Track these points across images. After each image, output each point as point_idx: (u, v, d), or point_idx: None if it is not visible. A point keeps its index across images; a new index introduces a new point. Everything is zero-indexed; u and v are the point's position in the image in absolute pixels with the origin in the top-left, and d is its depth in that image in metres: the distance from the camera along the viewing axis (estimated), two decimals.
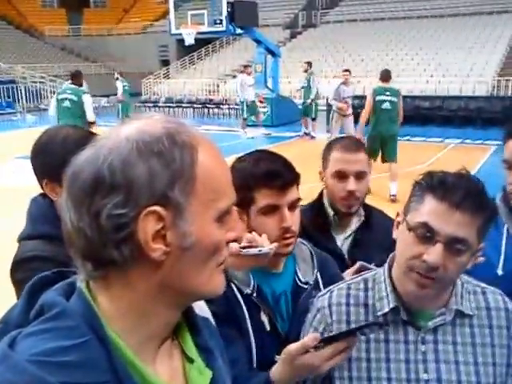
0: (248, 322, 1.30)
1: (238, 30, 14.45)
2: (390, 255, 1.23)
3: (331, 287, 1.28)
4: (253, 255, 1.27)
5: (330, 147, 1.85)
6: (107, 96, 20.09)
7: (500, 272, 1.61)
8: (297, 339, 1.15)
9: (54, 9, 34.72)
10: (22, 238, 1.51)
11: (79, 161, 0.65)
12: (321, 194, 1.91)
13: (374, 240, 1.76)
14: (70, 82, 8.25)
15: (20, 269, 1.42)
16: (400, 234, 1.15)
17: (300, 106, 13.18)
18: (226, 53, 25.35)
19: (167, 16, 18.17)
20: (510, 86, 16.01)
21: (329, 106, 11.27)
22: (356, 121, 9.09)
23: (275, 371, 1.15)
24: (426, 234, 1.07)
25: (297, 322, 1.35)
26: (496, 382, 1.15)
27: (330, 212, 1.83)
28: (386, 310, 1.17)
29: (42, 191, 1.53)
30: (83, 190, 0.63)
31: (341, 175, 1.76)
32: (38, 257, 1.40)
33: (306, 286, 1.39)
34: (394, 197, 7.42)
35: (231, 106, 17.94)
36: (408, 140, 11.54)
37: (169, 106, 18.74)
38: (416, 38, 21.19)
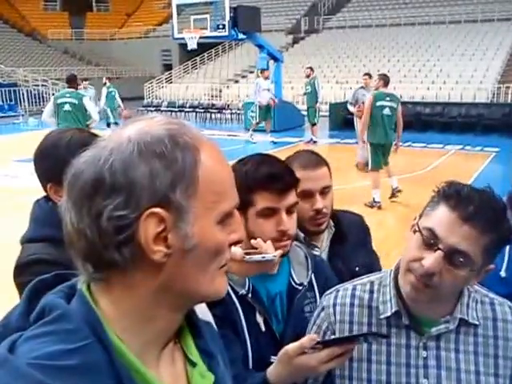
0: (243, 322, 1.30)
1: (241, 35, 14.47)
2: (398, 260, 1.22)
3: (338, 286, 1.29)
4: (256, 262, 1.27)
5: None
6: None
7: (503, 274, 1.62)
8: (292, 340, 1.16)
9: (57, 12, 34.80)
10: (25, 241, 1.50)
11: (80, 162, 0.64)
12: None
13: (351, 243, 1.74)
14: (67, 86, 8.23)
15: (24, 272, 1.40)
16: (409, 236, 1.15)
17: (303, 112, 13.17)
18: (228, 58, 25.40)
19: (170, 20, 18.24)
20: (510, 93, 16.04)
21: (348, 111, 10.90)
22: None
23: (272, 371, 1.16)
24: (430, 241, 1.06)
25: (292, 322, 1.36)
26: None
27: (300, 234, 1.68)
28: (389, 313, 1.18)
29: (44, 194, 1.53)
30: (84, 191, 0.62)
31: (305, 194, 1.63)
32: (41, 260, 1.39)
33: (300, 288, 1.40)
34: (397, 189, 7.37)
35: (233, 111, 17.97)
36: (409, 146, 11.54)
37: (171, 111, 18.75)
38: (417, 44, 21.24)
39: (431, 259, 1.05)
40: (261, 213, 1.33)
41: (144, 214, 0.62)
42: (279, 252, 1.30)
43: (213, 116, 18.56)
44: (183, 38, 15.34)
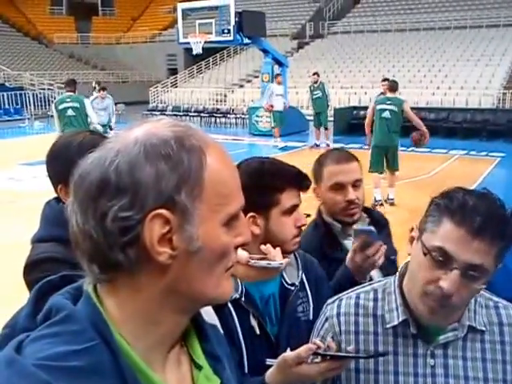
0: (238, 327, 1.31)
1: (246, 40, 14.52)
2: (401, 266, 1.21)
3: (340, 295, 1.27)
4: (262, 268, 1.28)
5: (320, 163, 1.86)
6: (115, 104, 20.20)
7: None
8: (287, 341, 1.20)
9: (63, 16, 34.97)
10: (35, 241, 1.53)
11: (86, 163, 0.65)
12: (318, 212, 1.90)
13: (383, 234, 1.79)
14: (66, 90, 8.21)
15: (33, 270, 1.43)
16: (414, 252, 1.12)
17: (309, 117, 13.17)
18: (233, 62, 25.45)
19: (175, 25, 18.28)
20: None
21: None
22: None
23: (270, 377, 1.16)
24: (442, 260, 1.03)
25: (286, 323, 1.37)
26: None
27: (336, 225, 1.83)
28: (396, 322, 1.16)
29: (55, 195, 1.56)
30: (89, 192, 0.63)
31: (338, 187, 1.77)
32: (51, 258, 1.41)
33: (292, 288, 1.41)
34: (391, 200, 7.56)
35: (238, 116, 18.00)
36: (413, 151, 11.52)
37: (176, 115, 18.78)
38: (423, 49, 21.23)
39: (449, 281, 1.02)
40: (287, 211, 1.38)
41: (149, 216, 0.62)
42: (286, 260, 1.31)
43: (217, 120, 18.60)
44: (188, 43, 15.41)
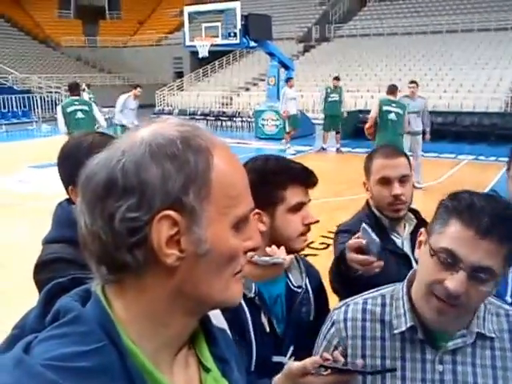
0: (250, 324, 1.34)
1: (252, 43, 14.56)
2: (410, 272, 1.21)
3: (347, 300, 1.26)
4: (266, 264, 1.29)
5: (370, 157, 1.90)
6: None
7: (509, 300, 1.61)
8: (290, 340, 1.27)
9: (71, 20, 35.27)
10: (46, 241, 1.54)
11: (93, 164, 0.65)
12: (367, 205, 1.92)
13: None
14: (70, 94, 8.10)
15: (43, 270, 1.45)
16: (422, 255, 1.11)
17: (315, 121, 13.15)
18: (239, 65, 25.53)
19: (182, 28, 18.40)
20: None
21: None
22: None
23: (277, 382, 1.15)
24: (450, 262, 1.02)
25: (292, 323, 1.42)
26: None
27: (384, 218, 1.84)
28: (403, 328, 1.15)
29: (66, 197, 1.58)
30: (96, 192, 0.63)
31: (385, 181, 1.79)
32: (60, 258, 1.43)
33: (299, 290, 1.44)
34: None
35: (244, 119, 18.03)
36: (420, 156, 11.47)
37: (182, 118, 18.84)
38: (430, 53, 21.18)
39: (456, 281, 1.01)
40: (293, 208, 1.38)
41: (157, 217, 0.61)
42: (290, 257, 1.34)
43: (223, 124, 18.64)
44: (195, 46, 15.47)
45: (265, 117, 15.41)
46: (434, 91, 17.66)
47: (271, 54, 15.19)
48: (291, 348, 1.40)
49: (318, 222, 1.44)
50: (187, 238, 0.63)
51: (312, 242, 5.68)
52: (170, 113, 19.71)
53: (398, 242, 1.83)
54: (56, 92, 21.81)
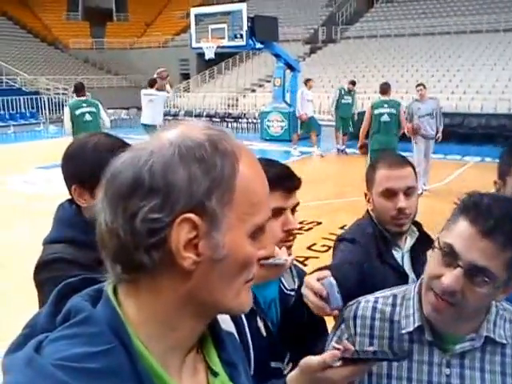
0: (246, 329, 1.32)
1: (258, 45, 14.53)
2: (423, 274, 1.20)
3: (359, 298, 1.26)
4: (268, 266, 1.29)
5: (373, 167, 1.78)
6: (127, 108, 20.47)
7: None
8: (287, 342, 1.25)
9: (79, 22, 35.39)
10: (47, 242, 1.54)
11: (118, 162, 0.65)
12: (369, 214, 1.82)
13: (425, 258, 1.74)
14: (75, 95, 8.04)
15: (43, 270, 1.44)
16: (431, 253, 1.12)
17: (321, 122, 13.15)
18: (245, 67, 25.51)
19: (188, 30, 18.40)
20: None
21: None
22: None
23: (292, 381, 1.16)
24: (449, 257, 1.02)
25: (287, 326, 1.40)
26: None
27: (385, 234, 1.73)
28: (411, 328, 1.14)
29: (69, 197, 1.57)
30: (121, 191, 0.63)
31: (389, 193, 1.68)
32: (61, 258, 1.42)
33: (292, 294, 1.43)
34: None
35: (250, 120, 18.03)
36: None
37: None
38: (437, 54, 21.08)
39: (450, 277, 1.01)
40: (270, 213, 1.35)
41: (178, 219, 0.61)
42: (292, 257, 1.32)
43: (229, 125, 18.61)
44: (201, 48, 15.46)
45: (270, 118, 15.40)
46: (442, 92, 17.57)
47: (277, 56, 15.17)
48: (288, 352, 1.39)
49: (299, 228, 1.40)
50: (205, 242, 0.63)
51: (314, 245, 5.67)
52: (176, 114, 19.73)
53: (398, 256, 1.74)
54: (63, 93, 21.89)
